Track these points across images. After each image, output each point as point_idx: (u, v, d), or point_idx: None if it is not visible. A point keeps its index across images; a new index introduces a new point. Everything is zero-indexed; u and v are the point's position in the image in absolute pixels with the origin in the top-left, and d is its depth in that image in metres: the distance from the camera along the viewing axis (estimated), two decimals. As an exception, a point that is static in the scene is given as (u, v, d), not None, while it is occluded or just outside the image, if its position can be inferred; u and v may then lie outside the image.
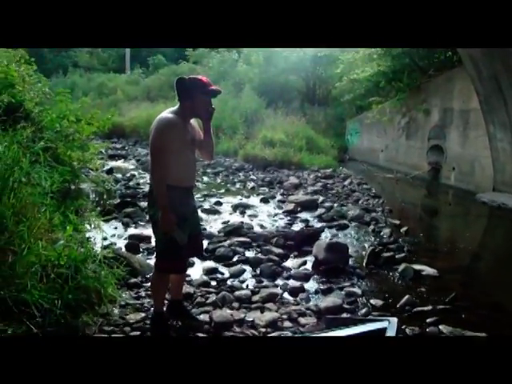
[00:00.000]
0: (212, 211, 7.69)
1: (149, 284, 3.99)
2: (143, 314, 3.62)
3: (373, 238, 6.44)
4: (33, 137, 6.03)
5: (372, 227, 7.02)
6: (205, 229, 6.40)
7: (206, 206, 8.07)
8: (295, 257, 5.49)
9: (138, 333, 3.33)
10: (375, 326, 3.00)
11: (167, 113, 3.15)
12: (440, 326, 3.77)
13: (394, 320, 3.04)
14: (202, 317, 3.64)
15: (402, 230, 6.87)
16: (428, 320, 3.89)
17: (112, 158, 14.07)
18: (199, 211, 7.41)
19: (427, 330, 3.73)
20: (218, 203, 8.35)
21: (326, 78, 22.12)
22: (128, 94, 26.23)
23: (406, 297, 4.26)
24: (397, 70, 13.94)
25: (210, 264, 4.99)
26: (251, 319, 3.64)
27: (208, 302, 3.94)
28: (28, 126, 5.63)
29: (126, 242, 5.54)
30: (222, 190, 10.01)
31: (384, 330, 2.92)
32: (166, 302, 3.61)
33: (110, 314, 3.56)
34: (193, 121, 3.34)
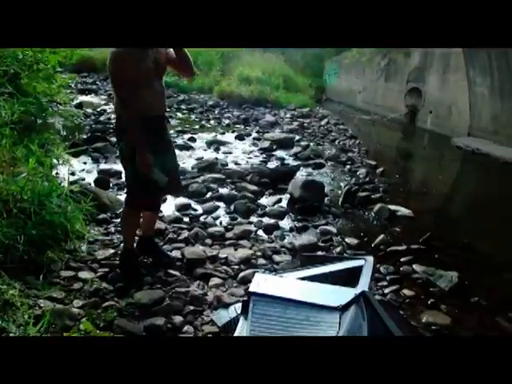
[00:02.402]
0: (185, 147, 7.46)
1: (118, 220, 3.84)
2: (112, 251, 3.47)
3: (349, 178, 6.37)
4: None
5: (348, 167, 6.96)
6: (178, 164, 6.21)
7: (180, 141, 7.82)
8: (270, 194, 5.39)
9: (107, 269, 3.20)
10: (351, 264, 2.95)
11: None
12: (414, 265, 3.77)
13: (370, 258, 2.99)
14: (173, 253, 3.52)
15: (377, 171, 6.82)
16: (402, 259, 3.89)
17: (82, 92, 13.45)
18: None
19: (401, 269, 3.72)
20: (192, 139, 8.12)
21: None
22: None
23: (381, 236, 4.24)
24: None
25: (183, 200, 4.84)
26: (224, 256, 3.55)
27: (180, 238, 3.81)
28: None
29: (96, 177, 5.30)
30: (197, 127, 9.74)
31: (360, 267, 2.87)
32: (137, 238, 3.48)
33: (78, 251, 3.40)
34: None
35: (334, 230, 4.37)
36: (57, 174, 4.38)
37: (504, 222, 5.46)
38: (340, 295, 2.31)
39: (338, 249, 3.96)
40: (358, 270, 2.85)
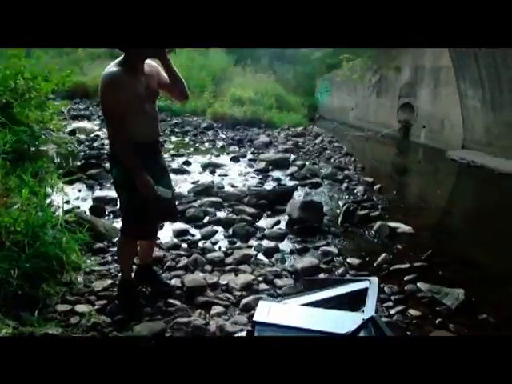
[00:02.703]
0: (181, 171, 7.40)
1: (115, 249, 3.76)
2: (110, 281, 3.38)
3: (346, 196, 6.32)
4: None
5: (345, 185, 6.91)
6: (174, 189, 6.15)
7: (175, 165, 7.77)
8: (268, 216, 5.32)
9: (105, 301, 3.10)
10: (356, 287, 2.88)
11: (112, 66, 2.76)
12: (418, 284, 3.70)
13: (375, 280, 2.91)
14: (173, 282, 3.43)
15: (375, 188, 6.77)
16: (406, 278, 3.81)
17: (75, 118, 13.44)
18: (167, 171, 7.21)
19: (405, 288, 3.65)
20: (187, 163, 8.06)
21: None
22: (90, 53, 24.85)
23: (383, 255, 4.17)
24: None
25: (180, 225, 4.76)
26: (225, 282, 3.47)
27: (179, 265, 3.72)
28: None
29: (91, 204, 5.22)
30: (191, 150, 9.70)
31: (365, 290, 2.80)
32: (135, 267, 3.39)
33: (74, 283, 3.30)
34: (148, 66, 2.93)
35: (335, 251, 4.30)
36: (51, 203, 4.31)
37: (503, 233, 5.43)
38: (347, 321, 2.23)
39: (341, 270, 3.88)
40: (363, 293, 2.78)
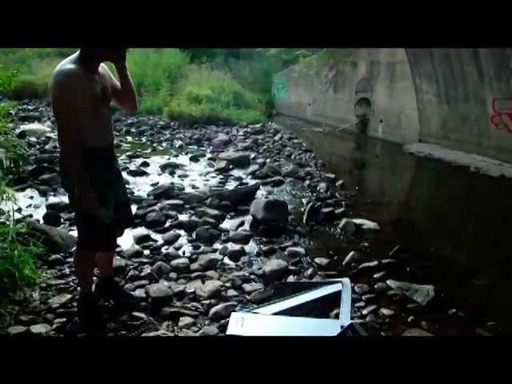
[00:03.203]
0: (139, 173, 7.18)
1: (73, 260, 3.54)
2: (69, 296, 3.14)
3: (310, 194, 6.26)
4: None
5: (307, 182, 6.86)
6: (132, 192, 5.94)
7: (132, 167, 7.54)
8: (232, 217, 5.19)
9: (64, 319, 2.87)
10: (329, 290, 2.79)
11: (66, 63, 2.51)
12: (387, 281, 3.66)
13: (347, 281, 2.85)
14: (137, 293, 3.24)
15: (337, 184, 6.76)
16: (375, 275, 3.77)
17: (24, 120, 12.82)
18: (124, 174, 6.95)
19: (375, 286, 3.60)
20: (145, 164, 7.83)
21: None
22: (38, 51, 24.04)
23: (351, 253, 4.11)
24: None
25: (141, 231, 4.57)
26: (192, 290, 3.30)
27: (142, 274, 3.54)
28: None
29: (45, 212, 4.93)
30: (149, 150, 9.45)
31: (339, 293, 2.72)
32: (95, 279, 3.20)
33: (29, 300, 3.05)
34: (102, 69, 2.73)
35: (303, 251, 4.21)
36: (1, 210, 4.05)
37: (463, 225, 5.52)
38: (325, 329, 2.14)
39: (310, 271, 3.79)
40: (336, 296, 2.70)
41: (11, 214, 3.82)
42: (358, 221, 4.97)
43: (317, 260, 4.04)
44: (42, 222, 4.58)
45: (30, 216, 4.75)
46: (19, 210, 4.99)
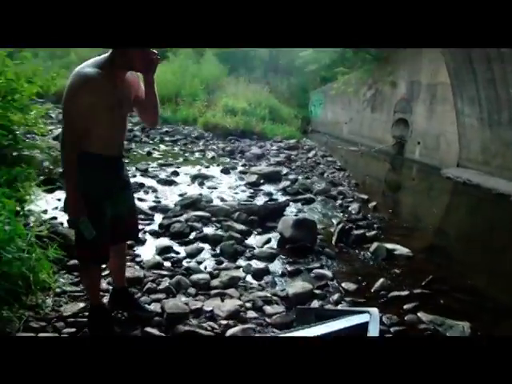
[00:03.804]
0: (168, 182, 7.09)
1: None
2: (82, 305, 3.01)
3: (341, 214, 6.04)
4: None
5: (339, 202, 6.63)
6: (159, 201, 5.85)
7: (162, 176, 7.47)
8: (259, 234, 5.02)
9: (73, 329, 2.74)
10: (356, 320, 2.58)
11: (89, 66, 2.37)
12: (419, 314, 3.42)
13: (375, 312, 2.62)
14: (152, 307, 3.09)
15: (370, 206, 6.51)
16: (405, 306, 3.53)
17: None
18: (154, 182, 6.89)
19: (405, 318, 3.36)
20: (175, 173, 7.76)
21: (289, 46, 21.49)
22: (83, 57, 24.44)
23: (381, 280, 3.88)
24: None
25: (164, 242, 4.45)
26: (210, 309, 3.13)
27: (160, 288, 3.39)
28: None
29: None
30: (180, 160, 9.40)
31: (366, 324, 2.51)
32: (111, 288, 3.07)
33: (41, 306, 2.93)
34: (132, 76, 2.61)
35: (330, 274, 4.00)
36: (23, 213, 3.99)
37: (503, 256, 5.21)
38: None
39: (336, 296, 3.58)
40: (363, 327, 2.50)
41: (35, 217, 3.77)
42: (389, 245, 4.73)
43: (344, 285, 3.82)
44: (65, 225, 4.51)
45: (55, 218, 4.69)
46: (45, 212, 4.97)
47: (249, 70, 19.91)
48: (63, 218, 4.78)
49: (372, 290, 3.78)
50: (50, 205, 5.45)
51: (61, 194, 5.84)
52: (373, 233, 5.14)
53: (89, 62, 2.40)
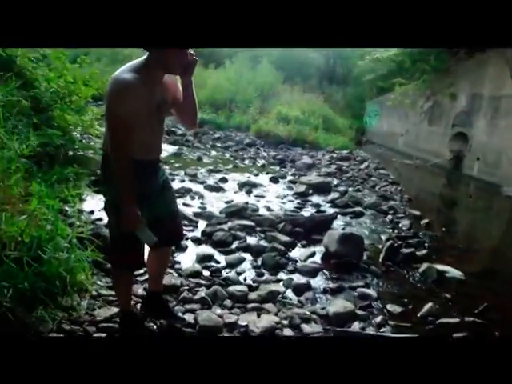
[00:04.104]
0: (216, 188, 7.06)
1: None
2: (115, 310, 2.96)
3: (390, 230, 5.79)
4: (24, 96, 5.47)
5: (390, 217, 6.38)
6: (205, 208, 5.81)
7: (210, 182, 7.45)
8: (303, 246, 4.88)
9: (104, 335, 2.70)
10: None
11: (125, 71, 2.31)
12: (469, 345, 3.16)
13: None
14: (186, 317, 3.01)
15: (422, 223, 6.21)
16: (455, 335, 3.28)
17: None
18: (201, 188, 6.87)
19: (454, 348, 3.12)
20: (224, 180, 7.73)
21: (347, 56, 21.26)
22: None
23: (429, 304, 3.65)
24: (423, 50, 13.06)
25: (206, 250, 4.39)
26: (244, 324, 3.02)
27: (196, 297, 3.31)
28: (13, 81, 5.03)
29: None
30: (230, 166, 9.38)
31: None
32: (145, 292, 3.03)
33: (75, 308, 2.91)
34: (169, 78, 2.53)
35: (374, 294, 3.80)
36: (75, 211, 4.04)
37: None
38: None
39: (379, 319, 3.39)
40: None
41: (86, 215, 3.77)
42: (440, 267, 4.45)
43: (389, 307, 3.61)
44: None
45: (100, 220, 4.73)
46: (91, 212, 5.04)
47: (304, 79, 19.77)
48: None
49: (418, 315, 3.55)
50: (98, 205, 5.52)
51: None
52: (423, 252, 4.88)
53: (125, 67, 2.34)
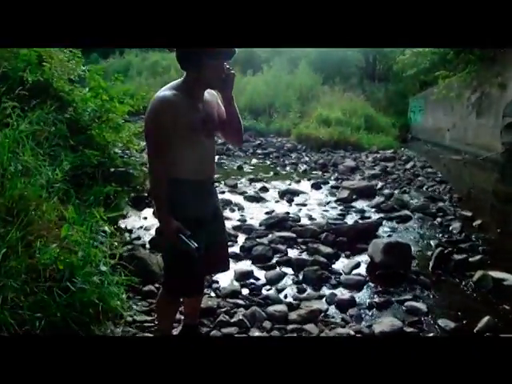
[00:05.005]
0: (256, 198, 6.93)
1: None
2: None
3: (440, 235, 5.48)
4: (62, 118, 5.54)
5: (439, 220, 6.06)
6: (245, 220, 5.69)
7: (251, 192, 7.33)
8: (347, 257, 4.67)
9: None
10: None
11: (166, 89, 2.31)
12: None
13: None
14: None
15: (474, 224, 5.87)
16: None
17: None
18: (241, 199, 6.76)
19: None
20: (264, 189, 7.59)
21: (386, 51, 20.76)
22: (182, 72, 25.45)
23: (486, 318, 3.35)
24: (467, 39, 12.50)
25: (245, 266, 4.26)
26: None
27: (233, 320, 3.17)
28: (48, 105, 5.08)
29: (152, 236, 4.80)
30: (271, 174, 9.25)
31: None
32: (181, 325, 2.92)
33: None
34: (209, 95, 2.47)
35: (424, 308, 3.56)
36: (114, 229, 4.00)
37: None
38: None
39: (430, 335, 3.15)
40: None
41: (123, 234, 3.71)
42: (497, 274, 4.12)
43: (440, 322, 3.36)
44: (147, 246, 4.49)
45: (138, 239, 4.69)
46: (130, 231, 5.01)
47: (344, 78, 19.42)
48: (147, 237, 4.79)
49: (475, 330, 3.28)
50: (138, 222, 5.51)
51: (148, 212, 5.90)
52: (477, 258, 4.56)
53: (167, 86, 2.35)
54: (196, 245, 2.32)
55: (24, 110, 4.19)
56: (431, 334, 3.20)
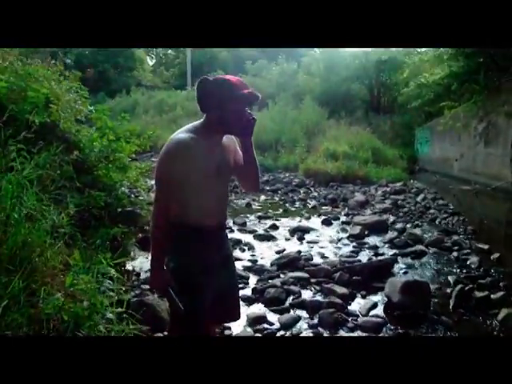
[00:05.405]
0: (266, 237, 6.80)
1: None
2: None
3: (458, 270, 5.30)
4: (69, 159, 5.51)
5: (455, 254, 5.88)
6: (255, 261, 5.55)
7: (260, 230, 7.20)
8: (363, 297, 4.50)
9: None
10: None
11: (183, 131, 2.22)
12: None
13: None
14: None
15: (492, 258, 5.69)
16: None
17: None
18: (251, 238, 6.64)
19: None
20: (274, 227, 7.46)
21: (390, 84, 20.95)
22: (188, 110, 25.48)
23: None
24: (471, 70, 12.54)
25: (257, 310, 4.10)
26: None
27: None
28: (55, 146, 5.06)
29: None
30: (280, 211, 9.13)
31: None
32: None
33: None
34: (227, 139, 2.38)
35: (448, 351, 3.38)
36: (122, 271, 3.88)
37: None
38: None
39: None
40: None
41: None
42: (522, 312, 3.96)
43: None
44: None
45: (146, 282, 4.56)
46: (138, 275, 4.89)
47: (349, 112, 19.49)
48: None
49: (504, 375, 3.10)
50: (144, 264, 5.39)
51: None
52: (499, 294, 4.38)
53: (184, 128, 2.25)
54: (182, 308, 2.21)
55: (30, 152, 4.16)
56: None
